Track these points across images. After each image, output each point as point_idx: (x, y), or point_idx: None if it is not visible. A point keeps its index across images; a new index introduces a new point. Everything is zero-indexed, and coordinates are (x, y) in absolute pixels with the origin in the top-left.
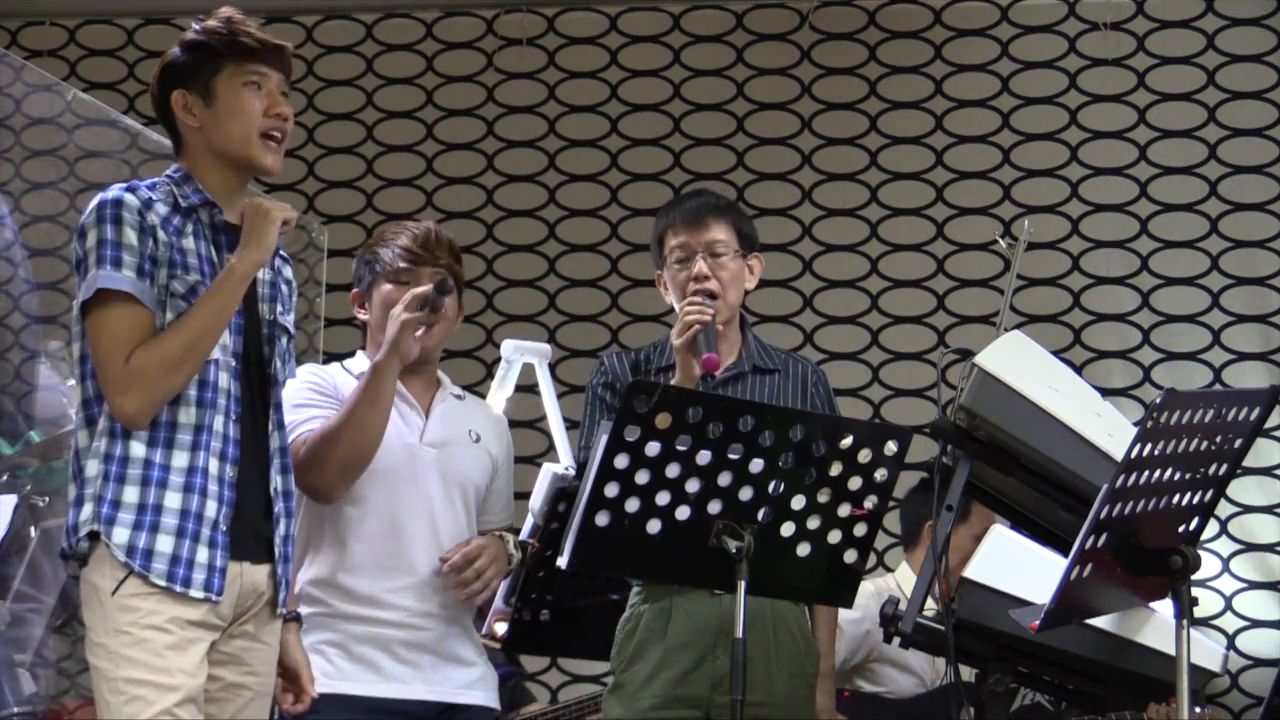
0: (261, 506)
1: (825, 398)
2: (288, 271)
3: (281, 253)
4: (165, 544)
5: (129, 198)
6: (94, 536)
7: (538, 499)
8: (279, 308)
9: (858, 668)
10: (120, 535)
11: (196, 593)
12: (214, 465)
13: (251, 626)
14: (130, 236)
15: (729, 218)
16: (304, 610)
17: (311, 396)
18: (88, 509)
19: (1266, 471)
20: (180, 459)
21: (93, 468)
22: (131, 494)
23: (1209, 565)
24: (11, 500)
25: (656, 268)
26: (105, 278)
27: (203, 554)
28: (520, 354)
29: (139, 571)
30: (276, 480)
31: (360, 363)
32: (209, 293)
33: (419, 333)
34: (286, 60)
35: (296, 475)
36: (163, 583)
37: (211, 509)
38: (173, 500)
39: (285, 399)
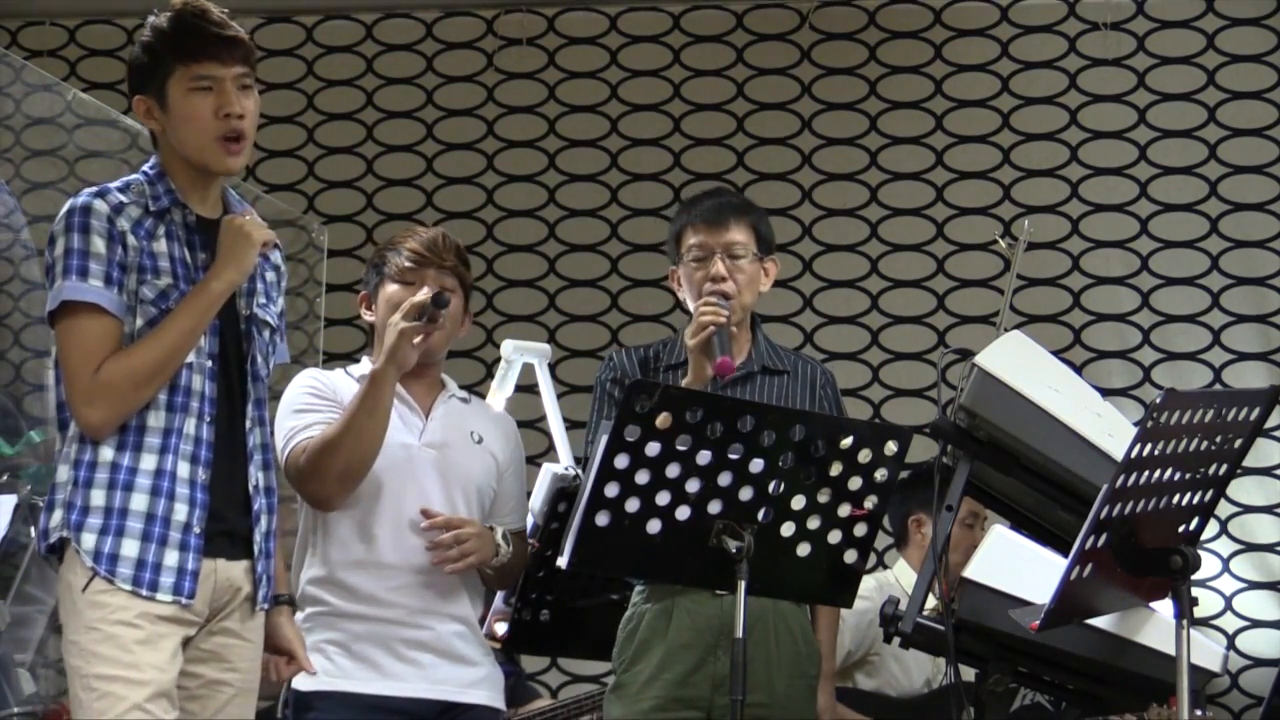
0: (240, 504)
1: (833, 400)
2: (275, 257)
3: None
4: (131, 548)
5: (98, 204)
6: (65, 541)
7: (538, 499)
8: (260, 300)
9: (859, 661)
10: (88, 540)
11: (165, 596)
12: (183, 468)
13: (231, 623)
14: (98, 245)
15: (749, 219)
16: (306, 609)
17: (310, 401)
18: (57, 515)
19: (1266, 471)
20: (148, 462)
21: (63, 473)
22: (98, 498)
23: (1209, 565)
24: (11, 500)
25: (672, 263)
26: (72, 289)
27: (171, 557)
28: (520, 354)
29: (105, 575)
30: (257, 476)
31: (365, 368)
32: (182, 309)
33: (417, 340)
34: (243, 51)
35: (298, 483)
36: (129, 587)
37: (181, 512)
38: (139, 504)
39: (284, 403)
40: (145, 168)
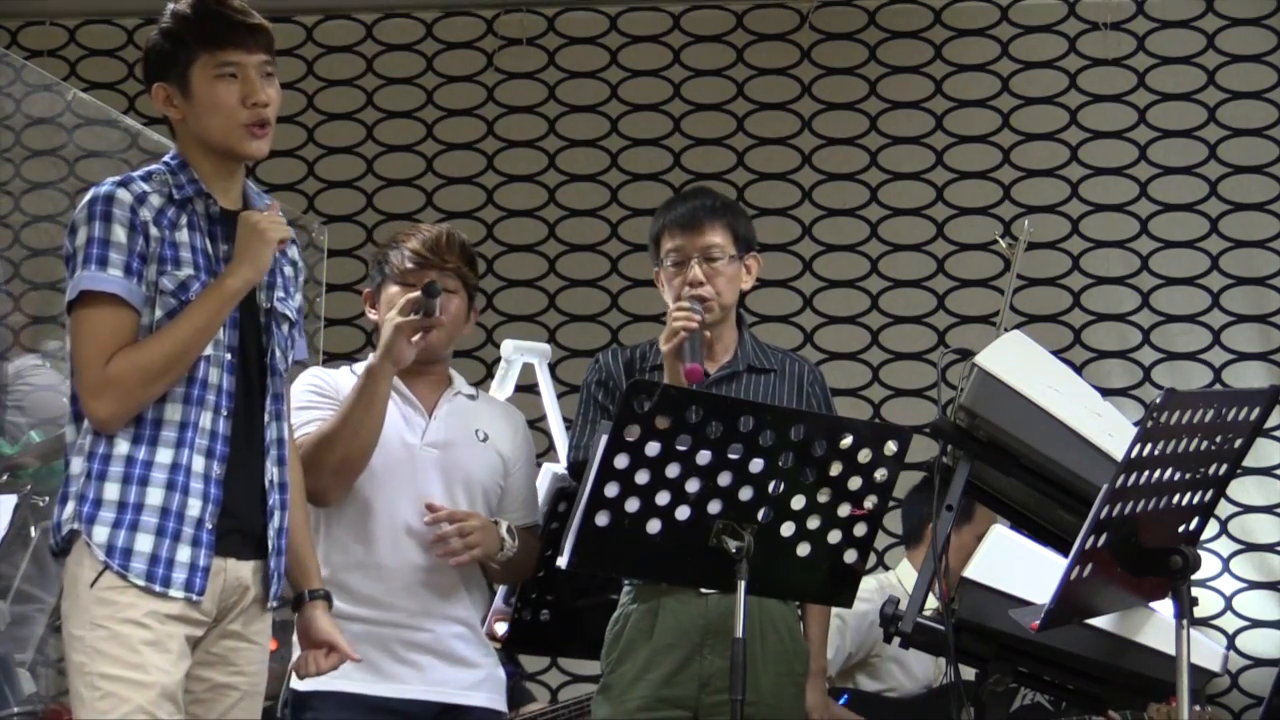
0: (256, 500)
1: (822, 398)
2: (293, 252)
3: None
4: (145, 543)
5: (121, 193)
6: (76, 534)
7: (538, 499)
8: (279, 294)
9: (861, 663)
10: (100, 534)
11: (176, 592)
12: (199, 462)
13: (238, 625)
14: (119, 234)
15: (725, 220)
16: None
17: (311, 399)
18: (70, 507)
19: (1266, 471)
20: (164, 456)
21: (77, 465)
22: (112, 492)
23: (1209, 565)
24: (11, 500)
25: (654, 265)
26: (90, 278)
27: (184, 553)
28: (520, 354)
29: (118, 570)
30: (273, 472)
31: None
32: (196, 306)
33: (415, 337)
34: (265, 39)
35: None
36: (141, 582)
37: (195, 507)
38: (154, 498)
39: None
40: (166, 158)
